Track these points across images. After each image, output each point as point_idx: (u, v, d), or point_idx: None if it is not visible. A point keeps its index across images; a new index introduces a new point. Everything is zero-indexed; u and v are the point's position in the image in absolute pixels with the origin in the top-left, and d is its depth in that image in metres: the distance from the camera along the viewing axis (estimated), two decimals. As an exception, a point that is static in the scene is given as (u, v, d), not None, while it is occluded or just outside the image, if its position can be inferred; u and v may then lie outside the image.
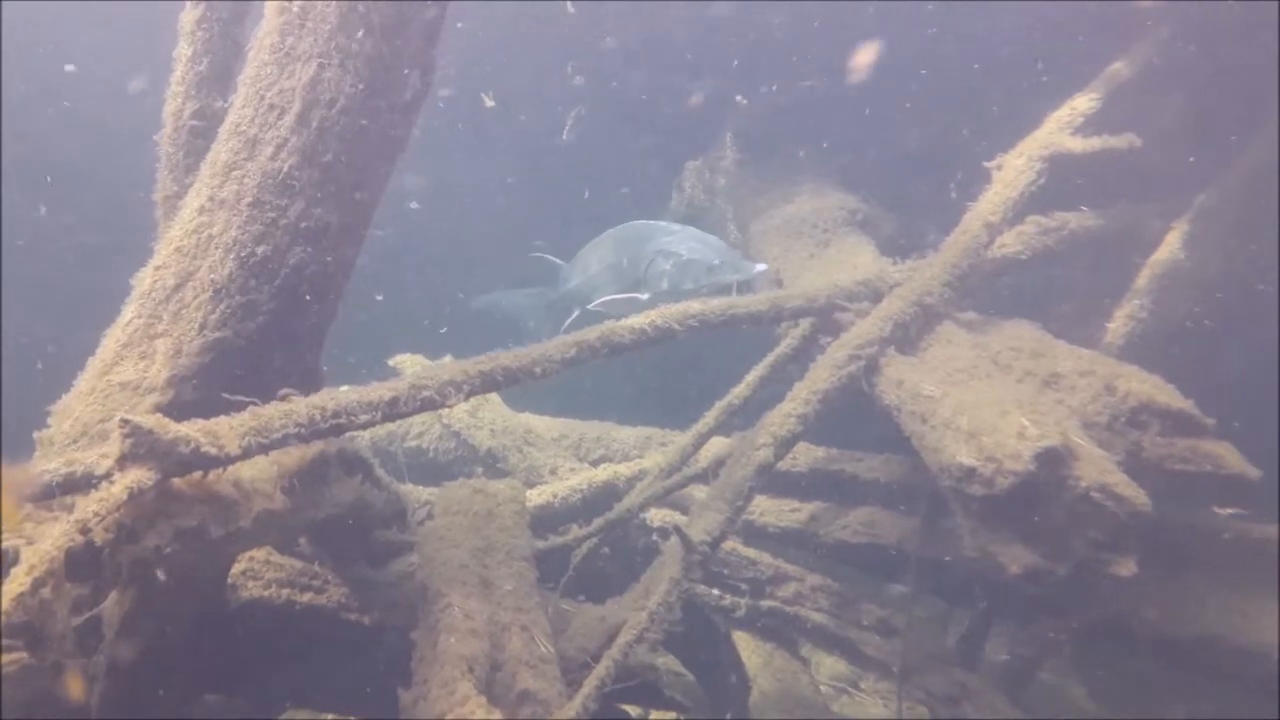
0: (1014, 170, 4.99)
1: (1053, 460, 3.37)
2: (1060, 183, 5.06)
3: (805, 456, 4.97)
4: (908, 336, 4.34)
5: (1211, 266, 5.18)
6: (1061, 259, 5.28)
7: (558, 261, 6.67)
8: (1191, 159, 5.37)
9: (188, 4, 3.46)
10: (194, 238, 3.04)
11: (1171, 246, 5.24)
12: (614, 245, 5.96)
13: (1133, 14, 5.49)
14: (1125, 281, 5.34)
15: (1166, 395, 3.79)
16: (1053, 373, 4.07)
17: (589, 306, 5.94)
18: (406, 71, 3.02)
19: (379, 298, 7.14)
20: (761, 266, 5.24)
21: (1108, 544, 3.38)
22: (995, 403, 3.65)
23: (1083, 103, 5.23)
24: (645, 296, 5.52)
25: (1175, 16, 5.43)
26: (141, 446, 2.32)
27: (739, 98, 6.95)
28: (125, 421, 2.30)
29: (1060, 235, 5.18)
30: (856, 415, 4.39)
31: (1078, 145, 5.01)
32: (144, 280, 3.12)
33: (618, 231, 6.01)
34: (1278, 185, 5.03)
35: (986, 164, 5.13)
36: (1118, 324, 5.29)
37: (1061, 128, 5.11)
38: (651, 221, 5.89)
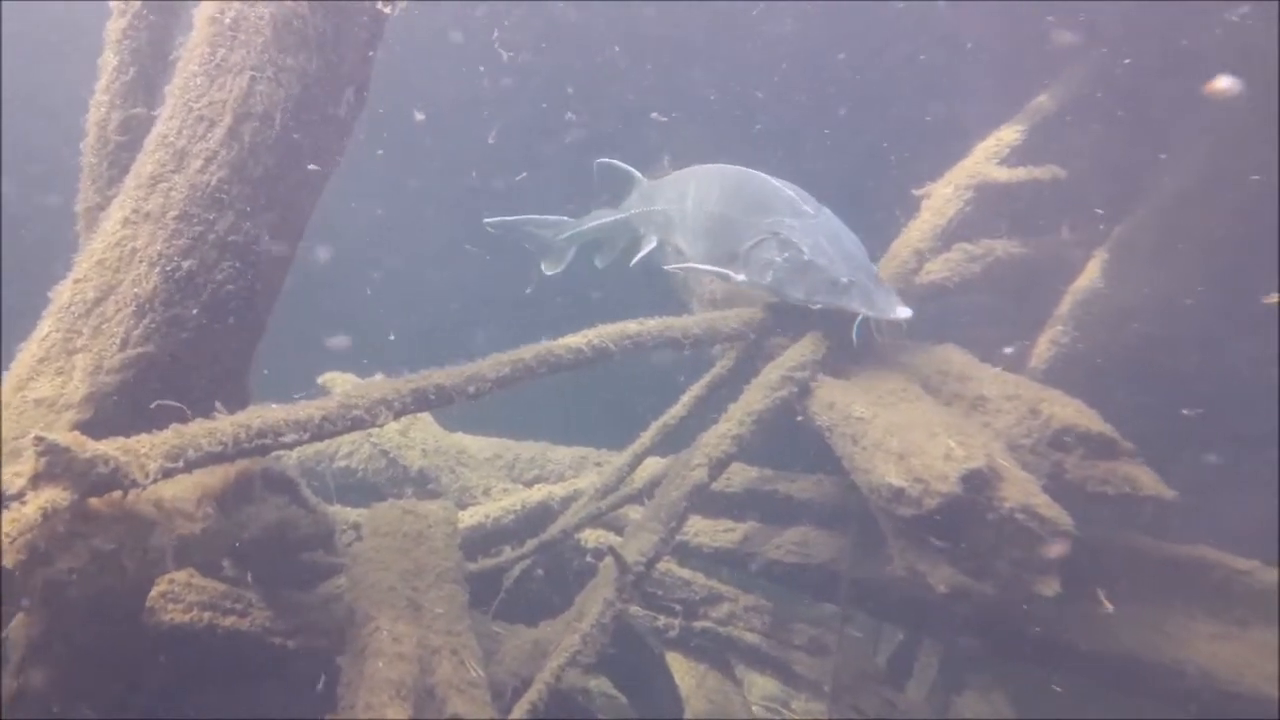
0: (942, 199, 5.12)
1: (978, 482, 3.45)
2: (987, 212, 5.22)
3: (739, 477, 5.01)
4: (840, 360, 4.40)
5: (1131, 293, 5.37)
6: (988, 285, 5.43)
7: (634, 173, 5.59)
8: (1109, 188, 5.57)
9: (114, 12, 3.38)
10: (117, 251, 2.96)
11: (1092, 274, 5.42)
12: (722, 194, 4.73)
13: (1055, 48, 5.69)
14: (1048, 308, 5.51)
15: (1088, 419, 3.90)
16: (979, 396, 4.17)
17: (667, 268, 5.01)
18: (342, 86, 2.99)
19: (391, 337, 6.90)
20: (905, 312, 4.01)
21: (1032, 563, 3.46)
22: (924, 425, 3.72)
23: (1008, 134, 5.40)
24: (741, 278, 4.49)
25: (1095, 50, 5.65)
26: (57, 465, 2.24)
27: (655, 114, 6.97)
28: (40, 439, 2.22)
29: (986, 262, 5.32)
30: (790, 436, 4.45)
31: (1003, 175, 5.16)
32: (62, 294, 3.01)
33: (736, 177, 4.75)
34: (1194, 214, 5.24)
35: (915, 192, 5.26)
36: (1041, 349, 5.45)
37: (988, 158, 5.27)
38: (781, 183, 4.57)
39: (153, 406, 2.71)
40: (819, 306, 4.21)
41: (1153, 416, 4.85)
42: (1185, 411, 5.11)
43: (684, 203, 4.97)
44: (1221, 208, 5.09)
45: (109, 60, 3.40)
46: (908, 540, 3.71)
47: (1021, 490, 3.48)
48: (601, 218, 5.77)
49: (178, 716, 3.55)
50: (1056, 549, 3.39)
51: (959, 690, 5.26)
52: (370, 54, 3.03)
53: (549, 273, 6.00)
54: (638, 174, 5.62)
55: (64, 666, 2.81)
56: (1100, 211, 5.42)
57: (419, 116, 6.73)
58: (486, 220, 6.07)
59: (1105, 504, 3.82)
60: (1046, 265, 5.58)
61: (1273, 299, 4.77)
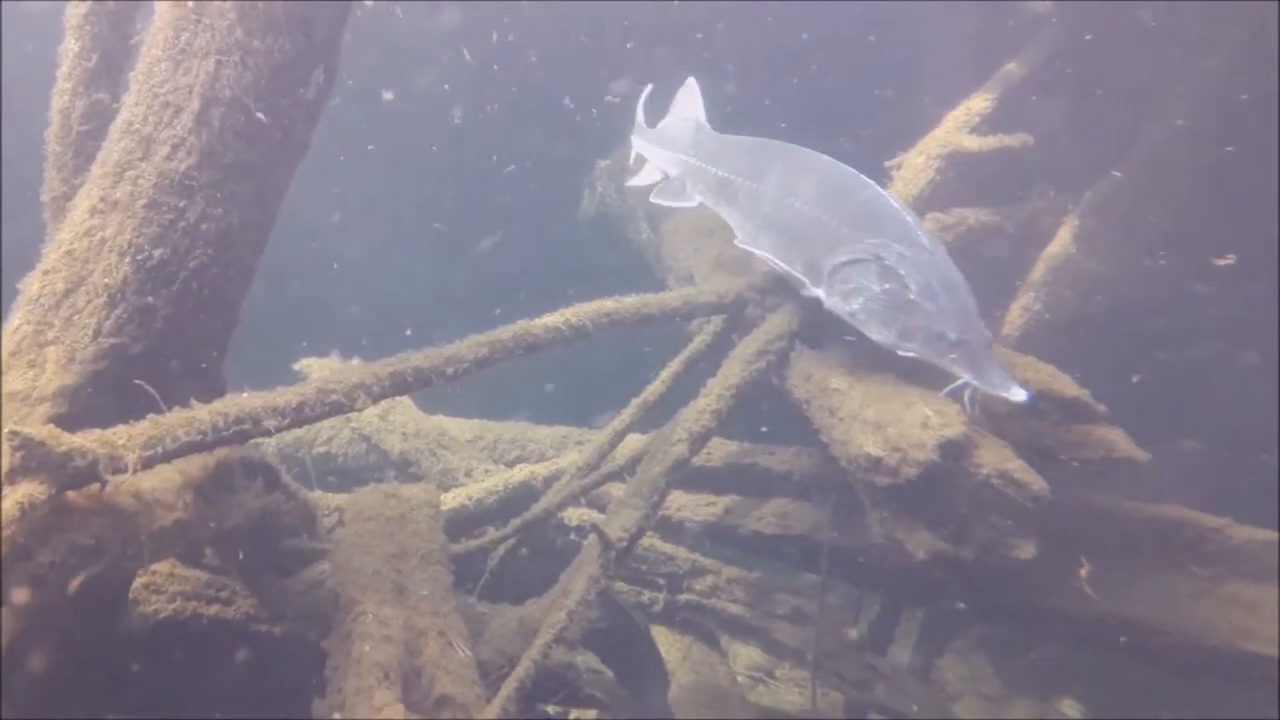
0: (913, 169, 5.14)
1: (955, 449, 3.48)
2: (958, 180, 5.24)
3: (720, 451, 5.03)
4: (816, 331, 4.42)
5: (1101, 259, 5.42)
6: (960, 253, 5.46)
7: (700, 115, 5.02)
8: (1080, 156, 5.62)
9: (74, -3, 3.32)
10: (86, 241, 2.92)
11: (1063, 241, 5.47)
12: (820, 192, 4.09)
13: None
14: (1020, 275, 5.55)
15: (1062, 384, 3.95)
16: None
17: (737, 243, 4.43)
18: (310, 69, 2.96)
19: (408, 332, 6.85)
20: (1021, 394, 3.44)
21: (1009, 528, 3.51)
22: (900, 395, 3.75)
23: (978, 103, 5.43)
24: (818, 293, 3.99)
25: (1065, 19, 5.67)
26: (33, 460, 2.22)
27: (609, 97, 6.89)
28: (14, 433, 2.20)
29: (959, 231, 5.35)
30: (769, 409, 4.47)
31: (974, 144, 5.19)
32: (31, 285, 2.97)
33: (842, 178, 4.13)
34: (1166, 179, 5.28)
35: (887, 163, 5.27)
36: (1014, 315, 5.50)
37: (959, 127, 5.29)
38: (899, 203, 4.00)
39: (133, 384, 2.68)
40: (909, 355, 3.68)
41: (1122, 382, 4.92)
42: (1135, 379, 5.18)
43: (760, 182, 4.38)
44: (1192, 174, 5.14)
45: (70, 47, 3.33)
46: (886, 509, 3.75)
47: (998, 456, 3.53)
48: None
49: (163, 708, 3.54)
50: (1025, 552, 3.43)
51: (940, 654, 5.35)
52: (338, 35, 2.99)
53: (675, 205, 5.16)
54: (703, 118, 5.14)
55: (47, 661, 2.80)
56: (1117, 173, 5.36)
57: (387, 95, 6.66)
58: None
59: (1080, 467, 3.88)
60: (1018, 233, 5.62)
61: (1228, 260, 4.83)
